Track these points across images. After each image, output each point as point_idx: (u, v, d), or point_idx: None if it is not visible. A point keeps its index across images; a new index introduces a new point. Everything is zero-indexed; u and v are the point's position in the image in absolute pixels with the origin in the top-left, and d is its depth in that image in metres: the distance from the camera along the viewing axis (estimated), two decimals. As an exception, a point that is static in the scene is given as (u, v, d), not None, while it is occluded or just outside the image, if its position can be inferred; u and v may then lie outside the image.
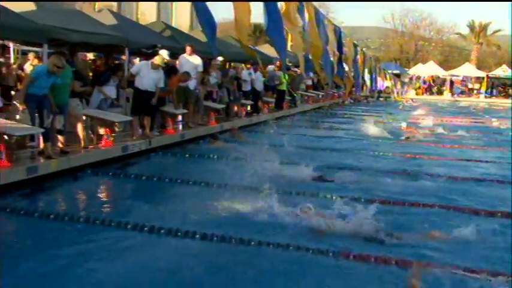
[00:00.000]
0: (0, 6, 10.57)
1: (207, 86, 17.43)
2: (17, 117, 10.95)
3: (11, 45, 15.53)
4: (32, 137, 10.64)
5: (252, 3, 18.67)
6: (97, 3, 22.10)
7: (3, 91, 11.34)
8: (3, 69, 12.32)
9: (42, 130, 10.07)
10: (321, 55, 25.57)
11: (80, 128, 11.49)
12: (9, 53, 14.21)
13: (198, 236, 7.01)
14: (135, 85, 13.27)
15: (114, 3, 22.46)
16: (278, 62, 24.21)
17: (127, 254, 6.52)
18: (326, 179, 10.84)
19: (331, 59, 28.14)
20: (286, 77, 24.33)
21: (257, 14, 20.06)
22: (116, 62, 15.23)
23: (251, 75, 20.63)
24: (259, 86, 21.26)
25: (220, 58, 18.57)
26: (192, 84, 15.29)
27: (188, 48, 14.85)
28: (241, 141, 15.96)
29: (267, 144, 15.40)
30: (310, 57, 25.87)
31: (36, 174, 9.53)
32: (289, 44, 26.74)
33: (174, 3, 27.17)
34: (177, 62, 15.22)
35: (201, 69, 14.31)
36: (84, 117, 11.79)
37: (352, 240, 7.14)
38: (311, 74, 31.69)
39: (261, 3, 18.04)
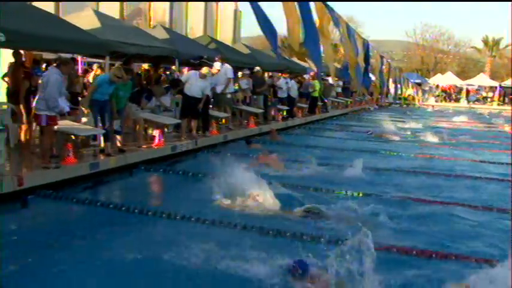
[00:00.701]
0: (72, 25, 10.84)
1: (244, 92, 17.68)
2: (83, 120, 11.18)
3: (79, 57, 15.88)
4: (95, 137, 10.82)
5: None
6: (152, 20, 22.31)
7: (72, 97, 11.57)
8: (73, 79, 12.58)
9: (103, 131, 10.26)
10: (354, 65, 25.50)
11: (139, 129, 11.75)
12: (77, 64, 14.50)
13: (238, 227, 7.06)
14: (184, 91, 13.41)
15: (167, 20, 22.63)
16: (312, 72, 24.18)
17: (176, 242, 6.53)
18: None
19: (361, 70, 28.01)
20: (319, 85, 24.24)
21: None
22: (167, 72, 15.41)
23: (287, 84, 20.60)
24: (294, 93, 21.23)
25: (257, 68, 18.58)
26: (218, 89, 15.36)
27: (203, 73, 13.55)
28: (278, 142, 16.02)
29: (303, 146, 15.54)
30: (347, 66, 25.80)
31: (98, 170, 9.72)
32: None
33: (219, 19, 27.27)
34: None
35: (208, 92, 13.61)
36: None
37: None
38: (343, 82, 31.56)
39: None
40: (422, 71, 72.16)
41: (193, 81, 13.29)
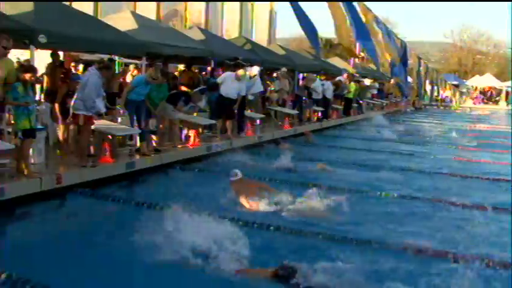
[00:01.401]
0: (110, 26, 11.00)
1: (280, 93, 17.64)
2: (119, 120, 11.30)
3: (116, 58, 16.07)
4: (131, 137, 10.93)
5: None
6: (187, 21, 22.46)
7: (109, 97, 11.71)
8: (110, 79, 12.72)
9: (139, 131, 10.36)
10: (398, 65, 25.30)
11: (174, 129, 11.83)
12: (114, 64, 14.66)
13: (272, 227, 7.04)
14: (220, 92, 13.45)
15: (203, 21, 22.75)
16: (346, 74, 23.98)
17: (211, 242, 6.52)
18: None
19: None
20: (354, 86, 24.03)
21: (329, 28, 20.08)
22: (203, 73, 15.48)
23: (323, 86, 20.47)
24: (330, 94, 21.07)
25: (284, 69, 18.48)
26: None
27: (239, 75, 13.55)
28: (310, 143, 15.94)
29: (335, 147, 15.44)
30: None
31: (134, 169, 9.81)
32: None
33: (254, 20, 27.31)
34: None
35: (243, 93, 13.62)
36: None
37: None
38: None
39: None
40: (459, 73, 70.96)
41: (229, 83, 13.32)
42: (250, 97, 15.13)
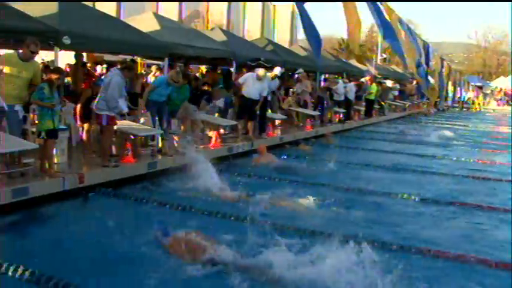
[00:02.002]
0: (132, 27, 11.08)
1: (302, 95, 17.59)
2: (141, 120, 11.36)
3: (139, 59, 16.21)
4: (153, 137, 10.97)
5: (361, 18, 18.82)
6: (209, 22, 22.54)
7: (131, 98, 11.78)
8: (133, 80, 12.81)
9: (161, 131, 10.41)
10: (416, 67, 25.10)
11: (196, 130, 11.88)
12: (137, 65, 14.78)
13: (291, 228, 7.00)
14: (242, 93, 13.46)
15: (225, 22, 22.80)
16: (368, 76, 23.84)
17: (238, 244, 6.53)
18: None
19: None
20: (375, 88, 23.88)
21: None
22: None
23: (345, 87, 20.35)
24: (352, 96, 20.95)
25: (301, 70, 18.41)
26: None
27: (260, 75, 13.43)
28: (331, 144, 15.87)
29: (355, 148, 15.37)
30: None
31: (155, 169, 9.85)
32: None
33: (276, 21, 27.28)
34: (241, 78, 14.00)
35: (265, 93, 13.56)
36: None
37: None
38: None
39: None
40: (483, 74, 70.10)
41: (251, 83, 13.31)
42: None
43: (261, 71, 13.44)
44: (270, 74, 14.20)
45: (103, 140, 9.45)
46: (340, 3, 18.86)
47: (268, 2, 26.28)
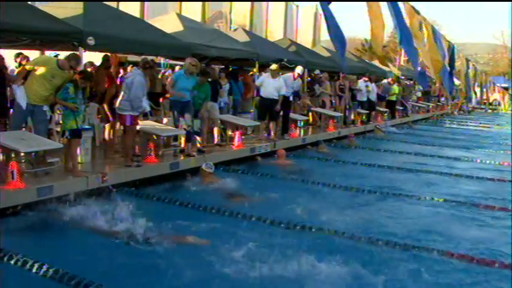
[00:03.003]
0: (156, 28, 11.16)
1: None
2: (164, 120, 11.45)
3: (162, 59, 16.32)
4: (176, 137, 11.02)
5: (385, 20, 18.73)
6: (232, 23, 22.55)
7: (153, 98, 11.86)
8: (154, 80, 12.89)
9: (184, 132, 10.46)
10: (440, 69, 24.81)
11: (215, 129, 11.92)
12: (159, 65, 14.91)
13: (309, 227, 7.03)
14: (260, 94, 13.47)
15: (247, 22, 22.79)
16: (390, 78, 23.68)
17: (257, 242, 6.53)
18: None
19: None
20: (397, 89, 23.72)
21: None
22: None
23: (368, 87, 20.21)
24: (373, 97, 20.81)
25: (317, 71, 18.35)
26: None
27: (274, 73, 13.37)
28: (352, 146, 15.78)
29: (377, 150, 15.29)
30: (427, 72, 25.17)
31: (178, 169, 9.90)
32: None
33: (299, 22, 27.18)
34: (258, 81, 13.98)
35: (283, 91, 13.30)
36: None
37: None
38: (423, 88, 30.65)
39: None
40: (510, 75, 68.95)
41: (267, 83, 13.29)
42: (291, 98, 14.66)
43: (272, 66, 13.37)
44: (290, 74, 14.15)
45: (126, 140, 9.53)
46: (364, 4, 18.71)
47: (291, 3, 26.20)
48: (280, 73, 13.78)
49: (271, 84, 13.22)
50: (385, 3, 18.92)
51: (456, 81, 33.60)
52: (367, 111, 20.51)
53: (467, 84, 37.48)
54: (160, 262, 5.73)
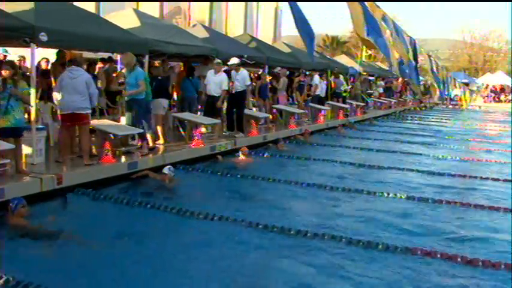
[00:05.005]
0: (111, 23, 11.00)
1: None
2: (122, 119, 11.32)
3: (118, 56, 16.09)
4: (133, 136, 10.91)
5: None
6: (191, 18, 22.48)
7: (110, 96, 11.76)
8: (111, 78, 12.76)
9: (140, 130, 10.39)
10: (407, 62, 25.25)
11: (159, 128, 11.78)
12: (116, 62, 14.68)
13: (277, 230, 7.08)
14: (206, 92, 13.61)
15: (207, 19, 22.77)
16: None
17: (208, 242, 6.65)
18: None
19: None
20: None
21: (335, 26, 20.05)
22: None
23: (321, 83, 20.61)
24: (322, 93, 21.12)
25: (277, 68, 18.48)
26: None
27: (215, 67, 13.42)
28: (307, 143, 15.91)
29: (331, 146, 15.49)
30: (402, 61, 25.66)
31: (136, 169, 9.80)
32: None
33: (260, 16, 27.29)
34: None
35: (225, 87, 13.22)
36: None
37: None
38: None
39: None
40: (470, 70, 70.58)
41: (210, 79, 13.32)
42: (239, 88, 14.21)
43: (215, 60, 13.37)
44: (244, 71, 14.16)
45: (84, 139, 9.41)
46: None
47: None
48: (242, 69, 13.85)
49: (213, 81, 13.23)
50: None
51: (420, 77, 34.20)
52: (329, 108, 20.82)
53: (436, 79, 38.08)
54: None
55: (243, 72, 14.26)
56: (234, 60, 14.10)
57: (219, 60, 13.52)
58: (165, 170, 9.58)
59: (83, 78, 9.27)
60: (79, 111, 9.18)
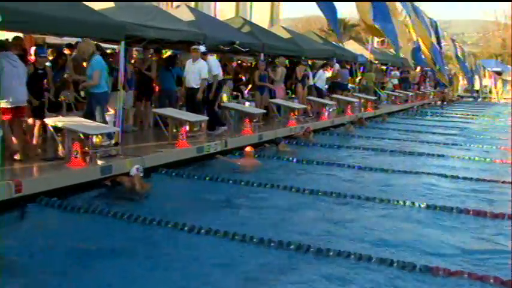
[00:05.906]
0: (81, 4, 10.93)
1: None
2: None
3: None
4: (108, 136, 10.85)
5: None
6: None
7: (77, 88, 11.72)
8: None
9: (116, 129, 10.38)
10: (430, 47, 25.33)
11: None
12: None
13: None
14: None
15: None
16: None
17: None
18: None
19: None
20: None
21: (341, 6, 20.24)
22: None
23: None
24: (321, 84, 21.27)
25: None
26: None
27: (192, 54, 13.58)
28: (309, 142, 15.95)
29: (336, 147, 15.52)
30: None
31: (111, 174, 9.76)
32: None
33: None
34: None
35: (204, 75, 13.27)
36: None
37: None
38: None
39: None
40: (503, 57, 70.03)
41: (189, 69, 13.35)
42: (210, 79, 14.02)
43: (192, 47, 13.38)
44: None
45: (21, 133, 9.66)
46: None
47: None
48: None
49: (192, 70, 13.26)
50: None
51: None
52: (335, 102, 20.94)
53: (464, 68, 37.83)
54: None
55: (210, 61, 14.15)
56: (201, 48, 13.86)
57: (196, 46, 13.45)
58: (133, 170, 9.43)
59: (23, 67, 9.55)
60: (24, 103, 9.55)
